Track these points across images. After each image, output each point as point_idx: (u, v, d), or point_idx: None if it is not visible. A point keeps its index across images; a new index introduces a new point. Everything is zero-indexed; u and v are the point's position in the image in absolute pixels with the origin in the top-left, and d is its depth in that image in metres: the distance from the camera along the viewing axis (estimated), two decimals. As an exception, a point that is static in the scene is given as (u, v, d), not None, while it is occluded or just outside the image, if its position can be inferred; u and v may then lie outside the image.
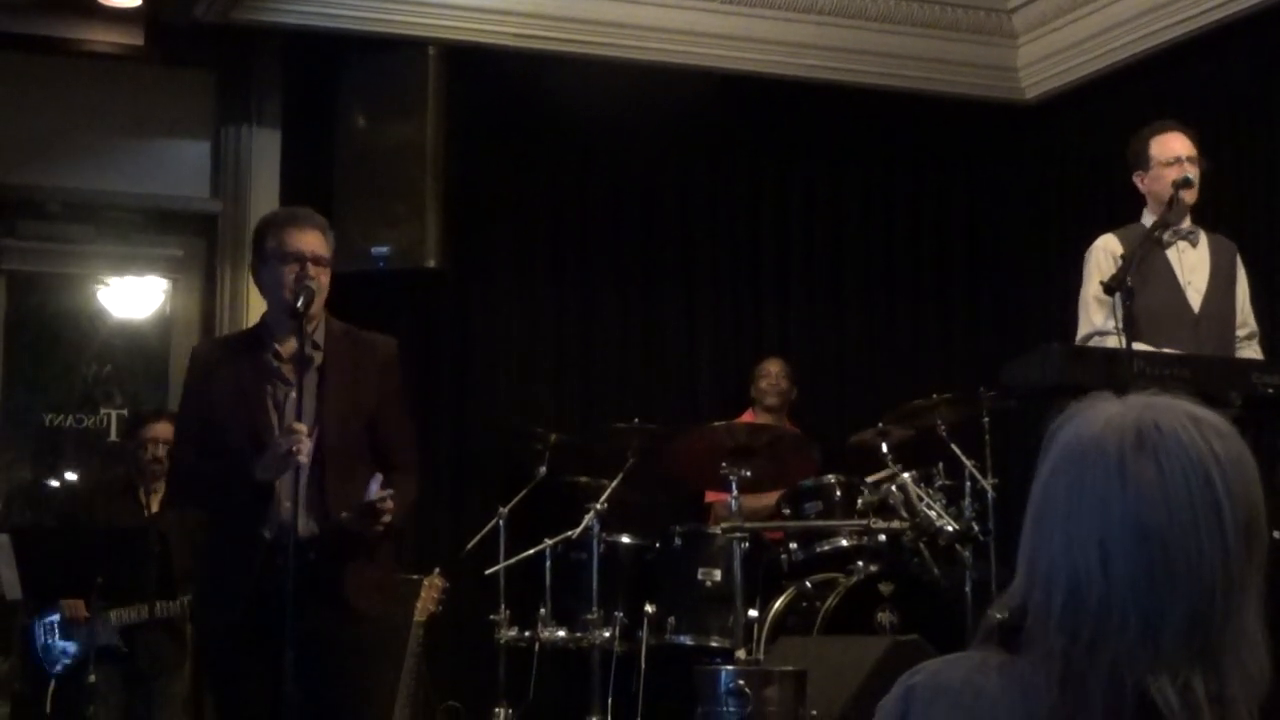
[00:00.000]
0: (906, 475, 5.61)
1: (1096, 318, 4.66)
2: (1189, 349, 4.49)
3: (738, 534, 5.26)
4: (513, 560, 5.72)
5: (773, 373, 6.74)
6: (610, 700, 5.39)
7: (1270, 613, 1.36)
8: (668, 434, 5.79)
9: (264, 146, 6.52)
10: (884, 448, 5.71)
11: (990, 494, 5.34)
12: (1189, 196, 4.66)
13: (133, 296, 6.71)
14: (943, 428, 5.58)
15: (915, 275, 7.51)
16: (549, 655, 5.67)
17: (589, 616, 5.48)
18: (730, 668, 4.59)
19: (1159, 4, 6.40)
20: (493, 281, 6.85)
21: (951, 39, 7.18)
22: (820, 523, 5.79)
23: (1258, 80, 6.19)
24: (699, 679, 4.50)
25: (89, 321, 6.67)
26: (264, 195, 6.39)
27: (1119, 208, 5.20)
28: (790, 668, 4.51)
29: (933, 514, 5.48)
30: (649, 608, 5.43)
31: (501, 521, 5.77)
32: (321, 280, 3.73)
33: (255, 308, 5.96)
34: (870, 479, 5.78)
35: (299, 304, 3.62)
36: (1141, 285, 4.40)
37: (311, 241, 3.74)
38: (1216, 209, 5.23)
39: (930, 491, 5.57)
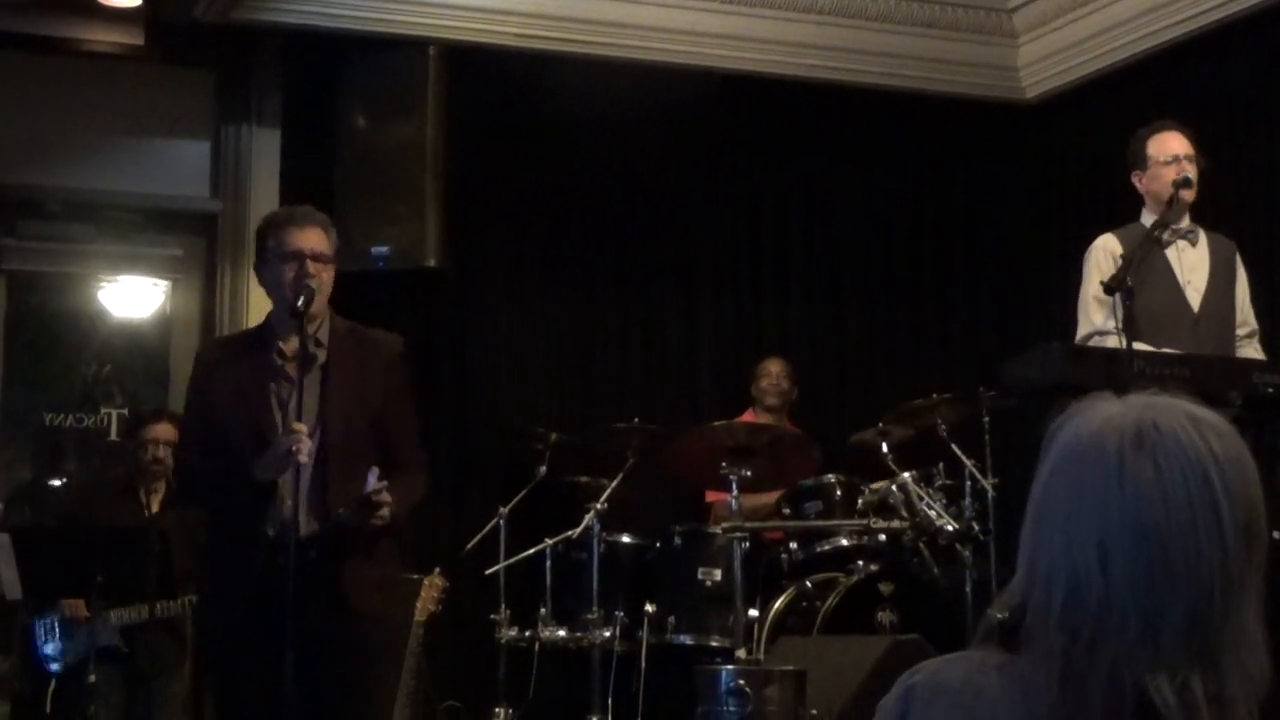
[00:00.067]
0: (906, 475, 5.61)
1: (1096, 317, 4.66)
2: (1189, 348, 4.48)
3: (738, 534, 5.27)
4: (513, 560, 5.72)
5: (774, 372, 6.74)
6: (610, 700, 5.39)
7: (1270, 613, 1.36)
8: (668, 434, 5.79)
9: (264, 146, 6.52)
10: (884, 448, 5.71)
11: (990, 494, 5.34)
12: (1188, 195, 4.67)
13: (133, 296, 6.71)
14: (943, 427, 5.58)
15: (915, 275, 7.51)
16: (549, 655, 5.67)
17: (589, 616, 5.48)
18: (730, 667, 4.59)
19: (1159, 4, 6.40)
20: (493, 281, 6.85)
21: (951, 39, 7.18)
22: (820, 522, 5.79)
23: (1258, 80, 6.19)
24: (699, 679, 4.50)
25: (89, 321, 6.68)
26: (264, 195, 6.39)
27: (1119, 208, 5.20)
28: (790, 667, 4.51)
29: (933, 513, 5.48)
30: (649, 607, 5.43)
31: (502, 521, 5.77)
32: (323, 277, 3.73)
33: (255, 307, 5.97)
34: (871, 486, 5.78)
35: (299, 303, 3.62)
36: (1141, 285, 4.39)
37: (312, 239, 3.74)
38: (1216, 208, 5.23)
39: (930, 491, 5.57)
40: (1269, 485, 1.38)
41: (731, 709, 4.32)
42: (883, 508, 5.64)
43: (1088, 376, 4.00)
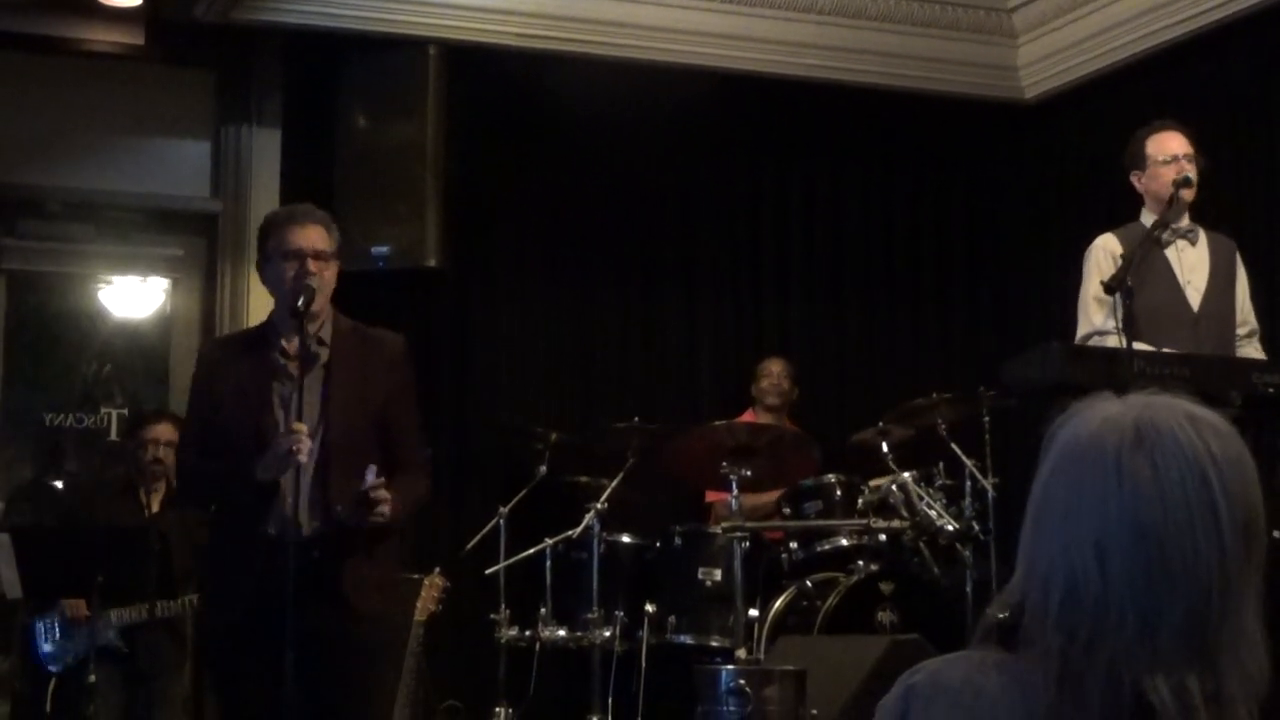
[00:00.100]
0: (907, 475, 5.61)
1: (1096, 317, 4.65)
2: (1189, 348, 4.48)
3: (738, 533, 5.27)
4: (513, 560, 5.72)
5: (774, 372, 6.74)
6: (610, 700, 5.39)
7: (1269, 613, 1.36)
8: (668, 434, 5.79)
9: (264, 146, 6.52)
10: (884, 447, 5.71)
11: (990, 493, 5.35)
12: (1188, 195, 4.67)
13: (133, 296, 6.71)
14: (943, 427, 5.59)
15: (915, 275, 7.51)
16: (549, 655, 5.67)
17: (589, 616, 5.48)
18: (730, 667, 4.59)
19: (1159, 4, 6.40)
20: (493, 281, 6.85)
21: (951, 38, 7.18)
22: (820, 522, 5.79)
23: (1258, 80, 6.19)
24: (699, 678, 4.50)
25: (89, 321, 6.68)
26: (264, 195, 6.39)
27: (1119, 207, 5.19)
28: (790, 667, 4.51)
29: (933, 513, 5.49)
30: (649, 607, 5.43)
31: (502, 521, 5.77)
32: (325, 275, 3.72)
33: (255, 307, 5.97)
34: (871, 486, 5.78)
35: (299, 303, 3.62)
36: (1141, 285, 4.39)
37: (312, 237, 3.74)
38: (1216, 208, 5.23)
39: (930, 491, 5.58)
40: (1269, 485, 1.38)
41: (731, 709, 4.32)
42: (883, 507, 5.64)
43: (1088, 376, 4.00)
